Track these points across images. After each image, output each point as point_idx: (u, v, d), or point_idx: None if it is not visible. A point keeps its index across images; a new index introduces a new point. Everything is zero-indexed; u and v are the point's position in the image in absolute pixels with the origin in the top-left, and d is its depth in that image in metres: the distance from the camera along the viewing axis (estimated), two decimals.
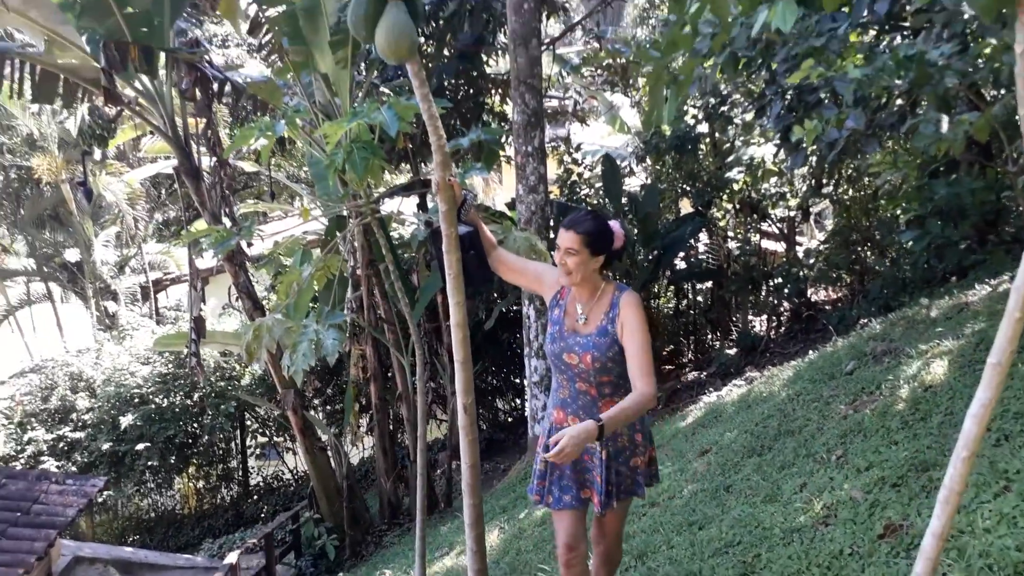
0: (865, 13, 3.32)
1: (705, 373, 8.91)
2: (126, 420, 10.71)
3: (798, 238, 11.05)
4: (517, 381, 11.50)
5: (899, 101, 3.82)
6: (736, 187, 9.35)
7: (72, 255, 16.37)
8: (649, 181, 10.16)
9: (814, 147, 3.91)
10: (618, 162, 10.57)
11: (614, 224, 2.60)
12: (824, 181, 8.83)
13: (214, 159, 7.44)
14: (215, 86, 7.07)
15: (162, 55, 6.61)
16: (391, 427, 9.20)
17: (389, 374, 9.47)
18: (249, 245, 7.76)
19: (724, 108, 8.57)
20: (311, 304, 7.53)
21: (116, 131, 7.57)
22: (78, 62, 6.52)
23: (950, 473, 1.66)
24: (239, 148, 13.01)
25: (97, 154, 14.38)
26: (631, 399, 2.38)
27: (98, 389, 11.39)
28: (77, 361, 11.98)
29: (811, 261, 9.13)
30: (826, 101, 3.66)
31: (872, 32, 4.06)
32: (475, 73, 9.17)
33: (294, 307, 5.28)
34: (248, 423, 12.68)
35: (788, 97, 3.70)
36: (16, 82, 6.37)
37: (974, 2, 1.29)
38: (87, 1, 5.90)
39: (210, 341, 8.57)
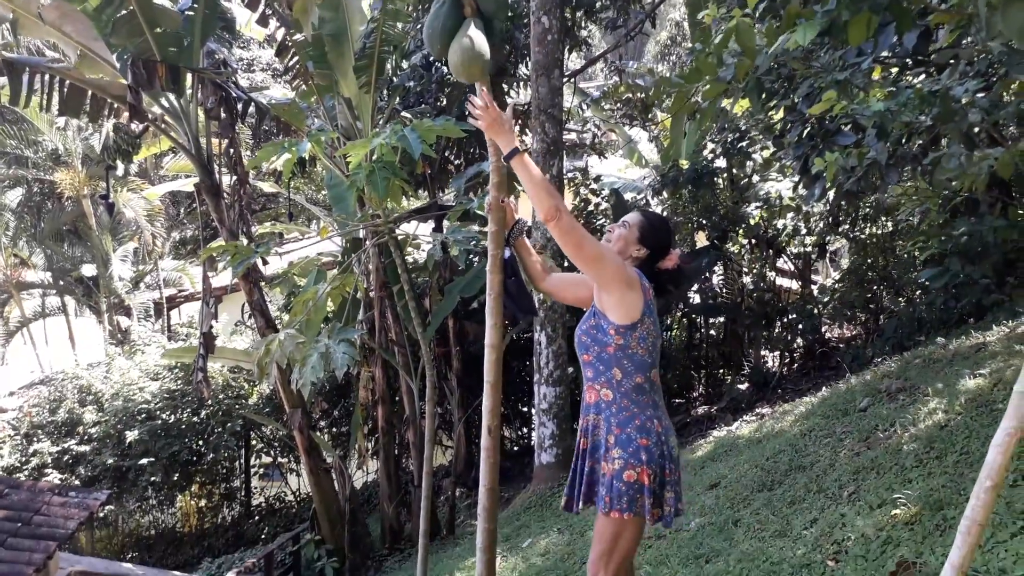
0: (892, 46, 3.34)
1: (715, 408, 8.83)
2: (132, 435, 10.69)
3: (813, 276, 11.00)
4: (524, 410, 11.43)
5: (920, 140, 3.82)
6: (752, 222, 9.34)
7: (89, 270, 16.49)
8: (665, 213, 10.17)
9: (832, 181, 3.91)
10: (635, 195, 10.60)
11: (677, 249, 2.60)
12: (841, 219, 8.81)
13: (235, 178, 7.52)
14: (239, 106, 7.17)
15: (189, 74, 6.71)
16: (396, 451, 9.14)
17: (397, 397, 9.44)
18: (265, 263, 7.79)
19: (743, 144, 8.60)
20: (323, 325, 7.54)
21: (140, 147, 7.65)
22: (107, 78, 6.63)
23: (972, 504, 1.62)
24: (259, 169, 13.15)
25: (120, 170, 14.56)
26: (547, 183, 2.38)
27: (106, 403, 11.39)
28: (87, 375, 11.99)
29: (826, 299, 9.08)
30: (847, 130, 3.66)
31: (895, 70, 4.07)
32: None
33: (307, 325, 5.29)
34: (253, 442, 12.63)
35: (808, 125, 3.71)
36: (45, 95, 6.48)
37: (1009, 23, 1.29)
38: (119, 19, 6.02)
39: (220, 357, 8.57)
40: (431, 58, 8.35)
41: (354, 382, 9.28)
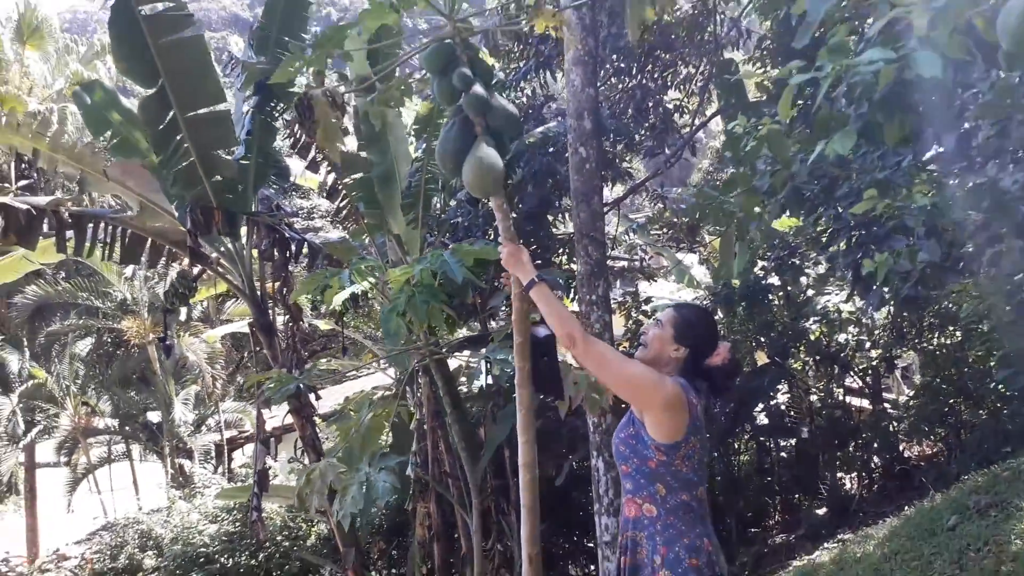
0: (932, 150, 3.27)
1: (794, 536, 8.26)
2: None
3: (884, 393, 10.49)
4: (591, 545, 10.86)
5: (974, 239, 3.67)
6: (813, 337, 9.04)
7: (154, 415, 16.85)
8: (722, 331, 9.95)
9: (888, 286, 3.74)
10: None
11: (725, 343, 2.35)
12: (906, 329, 8.47)
13: (287, 315, 7.67)
14: (293, 247, 7.41)
15: (244, 219, 7.02)
16: None
17: (455, 534, 9.10)
18: (318, 398, 7.80)
19: (795, 260, 8.45)
20: None
21: (196, 290, 7.94)
22: (166, 225, 6.98)
23: None
24: (318, 309, 13.46)
25: (183, 314, 15.10)
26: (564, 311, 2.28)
27: (166, 548, 11.30)
28: (148, 519, 12.00)
29: (901, 416, 8.62)
30: (897, 236, 3.53)
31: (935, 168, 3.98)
32: (542, 233, 9.41)
33: (355, 456, 5.19)
34: None
35: (856, 232, 3.58)
36: (107, 246, 6.82)
37: None
38: (179, 171, 6.38)
39: (274, 495, 8.47)
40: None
41: (411, 518, 9.01)
